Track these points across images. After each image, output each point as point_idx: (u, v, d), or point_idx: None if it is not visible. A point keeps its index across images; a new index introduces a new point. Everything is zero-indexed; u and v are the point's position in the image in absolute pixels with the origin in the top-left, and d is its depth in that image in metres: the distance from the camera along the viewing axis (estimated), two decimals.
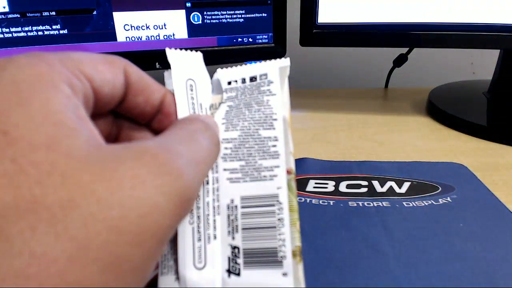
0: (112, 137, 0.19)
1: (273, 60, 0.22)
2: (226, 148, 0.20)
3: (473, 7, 0.46)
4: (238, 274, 0.18)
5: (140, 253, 0.12)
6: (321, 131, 0.49)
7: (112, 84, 0.16)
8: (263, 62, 0.22)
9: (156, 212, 0.12)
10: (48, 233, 0.10)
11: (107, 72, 0.16)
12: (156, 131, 0.20)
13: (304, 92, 0.65)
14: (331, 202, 0.33)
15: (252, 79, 0.22)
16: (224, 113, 0.21)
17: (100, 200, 0.11)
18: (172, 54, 0.21)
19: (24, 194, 0.11)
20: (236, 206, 0.19)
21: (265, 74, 0.22)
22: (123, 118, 0.19)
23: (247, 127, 0.20)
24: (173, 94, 0.20)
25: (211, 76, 0.23)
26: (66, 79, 0.14)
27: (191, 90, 0.21)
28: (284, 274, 0.18)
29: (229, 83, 0.22)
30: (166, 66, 0.55)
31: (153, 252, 0.12)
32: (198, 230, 0.18)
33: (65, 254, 0.10)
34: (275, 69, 0.22)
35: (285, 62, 0.22)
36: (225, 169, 0.19)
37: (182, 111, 0.20)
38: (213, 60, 0.53)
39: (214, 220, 0.19)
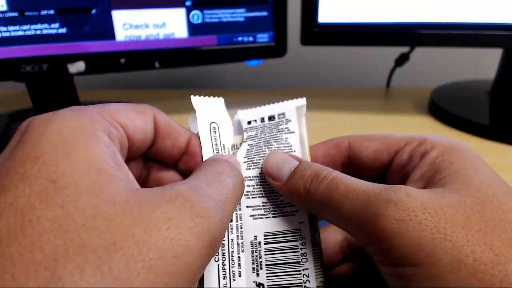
0: (142, 179, 0.21)
1: (290, 101, 0.23)
2: (248, 186, 0.21)
3: (475, 6, 0.45)
4: None
5: None
6: (322, 131, 0.49)
7: (143, 131, 0.18)
8: (280, 102, 0.23)
9: (188, 252, 0.13)
10: (94, 274, 0.12)
11: (138, 119, 0.18)
12: (183, 171, 0.21)
13: (305, 92, 0.64)
14: None
15: (271, 118, 0.23)
16: (245, 152, 0.22)
17: (139, 242, 0.12)
18: (196, 101, 0.23)
19: (72, 238, 0.12)
20: (259, 242, 0.19)
21: (283, 113, 0.22)
22: (152, 161, 0.21)
23: None
24: (197, 137, 0.21)
25: (232, 117, 0.24)
26: (105, 129, 0.16)
27: (214, 132, 0.22)
28: None
29: (249, 122, 0.23)
30: (166, 65, 0.55)
31: None
32: (223, 268, 0.19)
33: None
34: (292, 108, 0.22)
35: (301, 101, 0.23)
36: (248, 206, 0.20)
37: (207, 152, 0.21)
38: (213, 59, 0.52)
39: (239, 257, 0.19)
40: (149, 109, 0.19)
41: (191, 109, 0.22)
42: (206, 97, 0.23)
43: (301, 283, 0.18)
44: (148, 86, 0.76)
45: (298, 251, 0.19)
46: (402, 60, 0.64)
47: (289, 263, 0.19)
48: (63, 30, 0.45)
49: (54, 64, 0.46)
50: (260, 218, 0.20)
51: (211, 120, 0.23)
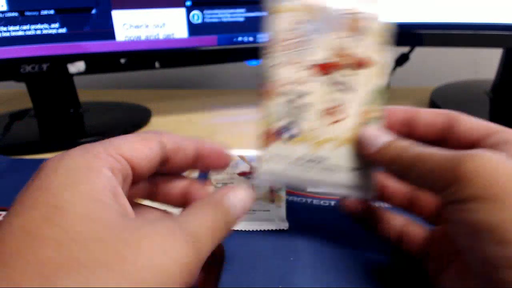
0: (152, 194, 0.23)
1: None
2: None
3: (475, 6, 0.45)
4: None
5: None
6: None
7: (149, 158, 0.20)
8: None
9: (168, 277, 0.15)
10: (87, 283, 0.14)
11: (143, 149, 0.20)
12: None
13: None
14: (332, 203, 0.33)
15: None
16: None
17: (130, 264, 0.14)
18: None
19: (69, 254, 0.14)
20: None
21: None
22: (160, 175, 0.23)
23: None
24: (203, 142, 0.23)
25: None
26: (108, 164, 0.18)
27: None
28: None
29: None
30: (166, 65, 0.55)
31: None
32: None
33: None
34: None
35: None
36: None
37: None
38: (213, 59, 0.52)
39: None
40: (154, 136, 0.21)
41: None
42: None
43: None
44: (148, 86, 0.76)
45: None
46: (402, 60, 0.64)
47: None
48: (63, 30, 0.45)
49: (54, 64, 0.46)
50: None
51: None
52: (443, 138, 0.24)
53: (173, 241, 0.16)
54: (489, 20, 0.45)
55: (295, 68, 0.25)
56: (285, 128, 0.25)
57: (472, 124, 0.23)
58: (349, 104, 0.25)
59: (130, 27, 0.47)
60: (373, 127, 0.24)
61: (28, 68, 0.45)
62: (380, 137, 0.23)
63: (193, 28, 0.49)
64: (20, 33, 0.43)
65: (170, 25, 0.48)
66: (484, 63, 0.73)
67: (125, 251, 0.15)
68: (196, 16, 0.49)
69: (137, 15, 0.47)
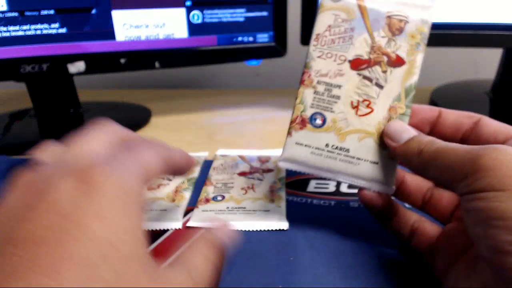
0: None
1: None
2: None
3: (475, 6, 0.45)
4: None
5: None
6: None
7: (157, 172, 0.21)
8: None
9: None
10: None
11: (158, 169, 0.21)
12: None
13: None
14: (332, 203, 0.33)
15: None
16: None
17: None
18: None
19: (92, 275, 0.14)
20: None
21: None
22: None
23: None
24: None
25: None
26: (140, 196, 0.18)
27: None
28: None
29: None
30: (166, 65, 0.55)
31: None
32: None
33: None
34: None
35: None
36: None
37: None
38: (213, 59, 0.52)
39: None
40: (158, 151, 0.22)
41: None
42: None
43: None
44: (148, 86, 0.76)
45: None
46: None
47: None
48: (63, 30, 0.45)
49: (54, 64, 0.46)
50: None
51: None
52: (467, 139, 0.25)
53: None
54: (489, 20, 0.45)
55: (332, 61, 0.26)
56: (315, 117, 0.26)
57: (495, 127, 0.24)
58: (379, 100, 0.26)
59: (130, 27, 0.47)
60: (399, 121, 0.25)
61: (28, 68, 0.45)
62: (405, 131, 0.24)
63: (193, 28, 0.49)
64: (20, 33, 0.43)
65: (170, 25, 0.48)
66: (484, 63, 0.73)
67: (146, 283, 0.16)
68: (196, 16, 0.49)
69: (137, 15, 0.47)
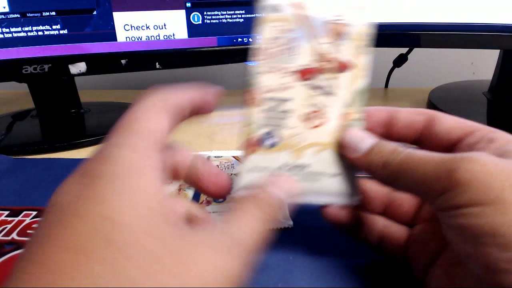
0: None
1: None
2: None
3: (473, 7, 0.46)
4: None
5: None
6: None
7: (167, 130, 0.20)
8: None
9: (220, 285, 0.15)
10: None
11: (169, 127, 0.20)
12: None
13: None
14: None
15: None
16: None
17: (183, 281, 0.14)
18: None
19: (126, 275, 0.13)
20: None
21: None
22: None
23: None
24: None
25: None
26: (154, 163, 0.17)
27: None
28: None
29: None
30: (167, 66, 0.55)
31: None
32: None
33: None
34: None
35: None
36: None
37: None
38: (214, 60, 0.53)
39: None
40: (161, 102, 0.22)
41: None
42: None
43: None
44: (149, 87, 0.76)
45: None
46: (400, 61, 0.64)
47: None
48: (65, 32, 0.45)
49: (55, 65, 0.46)
50: None
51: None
52: (423, 138, 0.24)
53: (224, 256, 0.16)
54: (486, 21, 0.46)
55: (277, 75, 0.25)
56: (266, 137, 0.24)
57: (451, 123, 0.23)
58: (330, 108, 0.25)
59: (131, 28, 0.47)
60: (355, 129, 0.24)
61: (30, 69, 0.45)
62: (364, 140, 0.23)
63: (193, 29, 0.49)
64: (22, 34, 0.44)
65: (171, 26, 0.49)
66: (481, 64, 0.74)
67: (177, 267, 0.14)
68: (196, 17, 0.49)
69: (138, 16, 0.47)
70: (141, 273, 0.14)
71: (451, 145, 0.23)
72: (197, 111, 0.23)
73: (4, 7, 0.42)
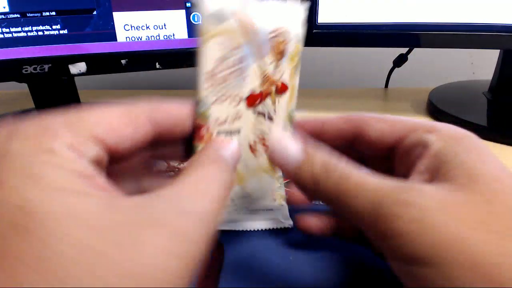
0: (148, 165, 0.20)
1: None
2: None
3: (473, 7, 0.46)
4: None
5: None
6: None
7: (131, 139, 0.17)
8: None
9: (172, 276, 0.13)
10: None
11: (125, 128, 0.16)
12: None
13: (304, 92, 0.65)
14: None
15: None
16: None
17: (121, 270, 0.12)
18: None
19: (49, 269, 0.11)
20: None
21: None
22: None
23: None
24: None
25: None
26: (70, 146, 0.14)
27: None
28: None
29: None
30: (167, 66, 0.55)
31: None
32: None
33: None
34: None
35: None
36: None
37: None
38: None
39: None
40: (142, 112, 0.17)
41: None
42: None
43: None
44: (149, 87, 0.76)
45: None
46: (400, 61, 0.64)
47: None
48: (65, 32, 0.45)
49: (55, 65, 0.46)
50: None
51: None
52: (356, 145, 0.23)
53: (169, 233, 0.13)
54: (486, 21, 0.46)
55: (228, 105, 0.21)
56: None
57: (382, 128, 0.21)
58: (271, 134, 0.23)
59: (131, 28, 0.47)
60: (286, 138, 0.20)
61: (30, 69, 0.45)
62: (293, 151, 0.19)
63: (193, 29, 0.49)
64: (22, 34, 0.44)
65: (171, 26, 0.49)
66: (481, 64, 0.74)
67: (115, 255, 0.12)
68: (196, 17, 0.49)
69: (138, 16, 0.47)
70: (75, 271, 0.11)
71: (387, 150, 0.21)
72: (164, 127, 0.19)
73: (4, 7, 0.42)
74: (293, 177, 0.19)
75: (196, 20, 0.49)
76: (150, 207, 0.14)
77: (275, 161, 0.20)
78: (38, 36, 0.44)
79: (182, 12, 0.48)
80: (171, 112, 0.18)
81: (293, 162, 0.19)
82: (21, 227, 0.12)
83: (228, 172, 0.17)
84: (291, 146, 0.20)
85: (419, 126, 0.20)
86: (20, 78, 0.48)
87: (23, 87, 0.51)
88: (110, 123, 0.16)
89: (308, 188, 0.19)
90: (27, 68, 0.45)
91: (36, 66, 0.45)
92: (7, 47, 0.44)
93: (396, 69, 0.66)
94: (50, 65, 0.46)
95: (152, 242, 0.13)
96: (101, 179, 0.15)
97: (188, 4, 0.48)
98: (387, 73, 0.67)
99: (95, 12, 0.45)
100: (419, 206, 0.15)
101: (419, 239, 0.15)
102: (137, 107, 0.17)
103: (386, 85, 0.67)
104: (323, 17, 0.50)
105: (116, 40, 0.47)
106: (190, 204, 0.14)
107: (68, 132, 0.15)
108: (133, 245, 0.12)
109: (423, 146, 0.19)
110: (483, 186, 0.16)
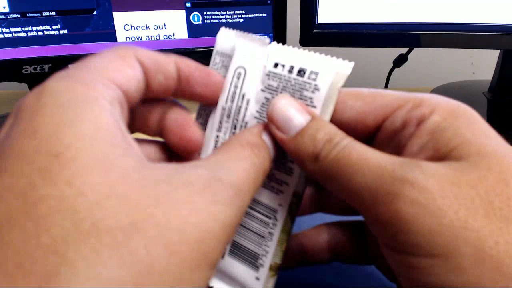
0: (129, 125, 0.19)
1: (333, 58, 0.18)
2: None
3: (473, 7, 0.46)
4: (222, 257, 0.19)
5: (198, 277, 0.12)
6: None
7: (136, 79, 0.16)
8: (318, 56, 0.19)
9: (211, 238, 0.12)
10: (112, 257, 0.10)
11: (127, 69, 0.15)
12: (184, 98, 0.19)
13: None
14: None
15: (301, 72, 0.18)
16: (260, 107, 0.19)
17: (160, 225, 0.11)
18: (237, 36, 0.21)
19: (83, 218, 0.11)
20: None
21: (316, 73, 0.18)
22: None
23: None
24: (187, 62, 0.19)
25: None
26: (103, 94, 0.14)
27: (238, 78, 0.20)
28: (257, 278, 0.19)
29: (276, 65, 0.19)
30: None
31: (208, 276, 0.13)
32: None
33: (131, 279, 0.10)
34: (329, 73, 0.18)
35: (345, 67, 0.18)
36: None
37: (221, 101, 0.20)
38: None
39: None
40: (130, 51, 0.16)
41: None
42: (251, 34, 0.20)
43: (259, 254, 0.19)
44: None
45: (267, 228, 0.19)
46: (400, 61, 0.64)
47: (256, 234, 0.19)
48: (65, 32, 0.45)
49: (55, 65, 0.46)
50: None
51: (240, 63, 0.20)
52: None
53: (210, 196, 0.13)
54: (486, 21, 0.46)
55: None
56: None
57: (359, 107, 0.18)
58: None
59: (131, 28, 0.47)
60: (289, 100, 0.18)
61: (30, 69, 0.45)
62: (295, 116, 0.17)
63: (193, 29, 0.49)
64: (22, 34, 0.44)
65: (171, 26, 0.49)
66: (481, 64, 0.74)
67: (153, 209, 0.11)
68: (196, 17, 0.49)
69: (138, 16, 0.47)
70: (107, 219, 0.11)
71: (368, 133, 0.18)
72: (190, 84, 0.18)
73: (4, 7, 0.42)
74: (292, 145, 0.17)
75: (196, 20, 0.49)
76: (187, 172, 0.13)
77: (274, 124, 0.17)
78: (38, 36, 0.44)
79: (182, 12, 0.48)
80: (152, 54, 0.17)
81: (295, 126, 0.17)
82: (54, 175, 0.11)
83: (263, 158, 0.16)
84: (295, 105, 0.17)
85: (404, 100, 0.17)
86: (20, 78, 0.48)
87: (23, 87, 0.51)
88: (116, 66, 0.15)
89: (306, 158, 0.16)
90: (27, 68, 0.45)
91: (36, 66, 0.45)
92: (7, 47, 0.44)
93: (396, 69, 0.66)
94: (50, 65, 0.46)
95: (194, 202, 0.12)
96: (130, 136, 0.14)
97: (188, 4, 0.48)
98: (387, 73, 0.67)
99: (95, 12, 0.45)
100: (423, 186, 0.13)
101: (421, 224, 0.13)
102: (122, 49, 0.16)
103: (386, 85, 0.67)
104: (323, 17, 0.51)
105: (116, 40, 0.47)
106: (227, 176, 0.14)
107: (95, 81, 0.14)
108: (175, 202, 0.12)
109: (415, 124, 0.16)
110: (496, 162, 0.14)
